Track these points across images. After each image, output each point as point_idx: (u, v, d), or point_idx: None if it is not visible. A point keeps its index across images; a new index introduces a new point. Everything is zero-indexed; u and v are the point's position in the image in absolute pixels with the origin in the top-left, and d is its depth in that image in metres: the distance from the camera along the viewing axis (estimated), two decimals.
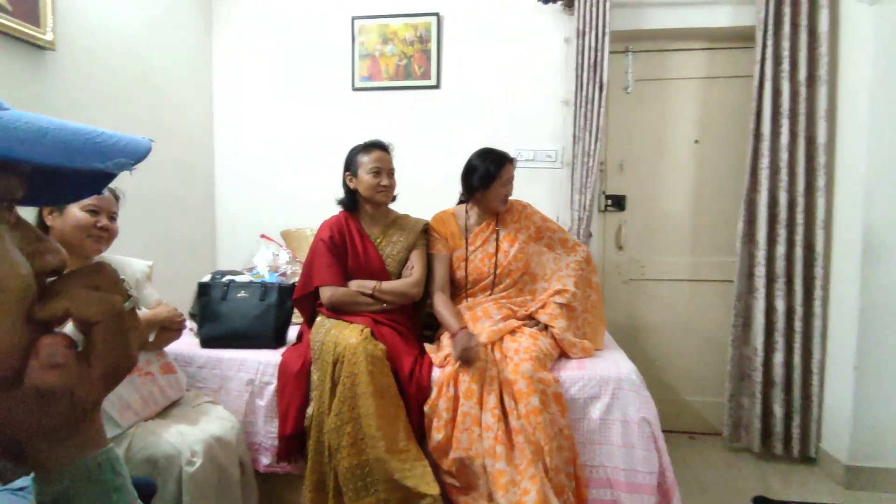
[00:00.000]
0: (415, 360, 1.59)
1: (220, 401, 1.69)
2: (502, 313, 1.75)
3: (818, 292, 2.24)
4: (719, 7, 2.40)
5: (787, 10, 2.23)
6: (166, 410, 1.48)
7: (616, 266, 2.64)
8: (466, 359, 1.54)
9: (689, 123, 2.59)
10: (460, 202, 2.00)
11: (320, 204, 2.14)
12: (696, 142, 2.58)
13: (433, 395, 1.54)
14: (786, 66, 2.24)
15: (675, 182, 2.61)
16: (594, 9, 2.31)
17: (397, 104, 2.63)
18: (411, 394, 1.55)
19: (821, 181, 2.23)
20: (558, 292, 1.82)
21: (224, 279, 1.94)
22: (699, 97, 2.58)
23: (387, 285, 1.75)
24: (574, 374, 1.60)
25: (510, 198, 1.96)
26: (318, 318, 1.76)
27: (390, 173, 1.81)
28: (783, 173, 2.25)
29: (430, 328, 1.95)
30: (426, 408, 1.55)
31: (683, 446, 2.47)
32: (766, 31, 2.24)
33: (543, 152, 2.52)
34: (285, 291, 1.90)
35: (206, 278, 1.97)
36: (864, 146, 2.10)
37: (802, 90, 2.24)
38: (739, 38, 2.45)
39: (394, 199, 1.86)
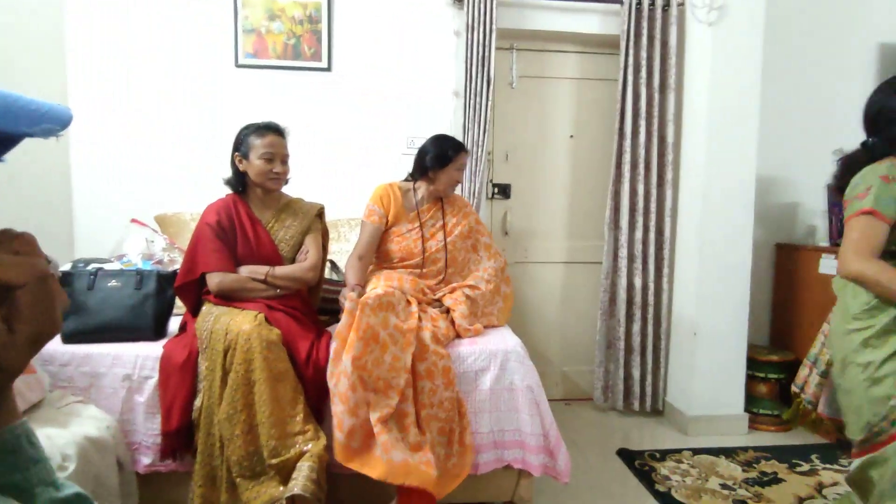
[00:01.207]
0: (311, 344, 1.59)
1: (92, 400, 1.54)
2: (416, 290, 1.81)
3: (666, 271, 2.62)
4: (590, 15, 2.65)
5: (644, 23, 2.54)
6: (28, 414, 1.32)
7: (503, 250, 2.82)
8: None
9: (565, 120, 2.84)
10: (406, 180, 2.02)
11: (201, 187, 2.01)
12: (572, 137, 2.84)
13: (343, 322, 1.58)
14: (644, 73, 2.55)
15: (554, 173, 2.86)
16: (482, 5, 2.43)
17: (286, 85, 2.54)
18: (309, 377, 1.54)
19: (669, 175, 2.59)
20: (470, 286, 1.94)
21: (89, 267, 1.75)
22: (574, 96, 2.83)
23: (280, 270, 1.71)
24: (467, 350, 1.71)
25: (457, 194, 2.08)
26: (205, 307, 1.67)
27: (284, 160, 1.76)
28: (641, 168, 2.57)
29: (324, 313, 1.94)
30: (334, 334, 1.58)
31: (560, 412, 2.75)
32: (628, 41, 2.53)
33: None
34: (165, 279, 1.77)
35: (67, 266, 1.76)
36: (703, 145, 2.48)
37: (656, 95, 2.57)
38: (607, 45, 2.74)
39: (286, 183, 1.82)
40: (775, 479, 2.09)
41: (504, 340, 1.77)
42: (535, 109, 2.81)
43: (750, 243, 2.51)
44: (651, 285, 2.61)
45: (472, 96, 2.46)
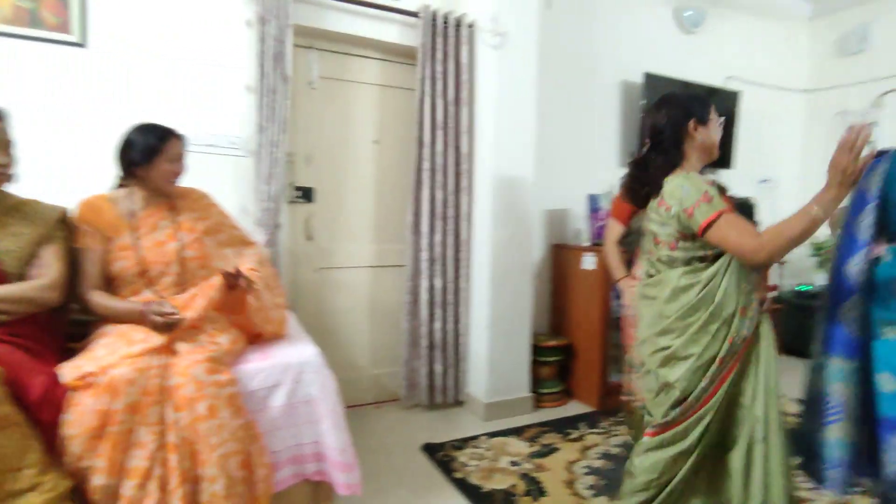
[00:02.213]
0: (49, 380, 1.30)
1: None
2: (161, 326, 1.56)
3: (463, 271, 2.82)
4: (390, 25, 2.72)
5: (440, 40, 2.70)
6: None
7: (306, 256, 2.72)
8: (165, 323, 1.46)
9: (369, 124, 2.86)
10: (119, 186, 1.72)
11: None
12: (376, 142, 2.87)
13: (71, 415, 1.30)
14: (440, 86, 2.71)
15: (359, 177, 2.85)
16: None
17: (17, 58, 2.04)
18: (46, 421, 1.26)
19: (465, 182, 2.80)
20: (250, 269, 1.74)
21: None
22: (377, 102, 2.87)
23: (2, 291, 1.37)
24: (256, 367, 1.59)
25: (190, 186, 1.80)
26: None
27: (5, 146, 1.41)
28: (439, 175, 2.73)
29: (77, 338, 1.61)
30: (64, 430, 1.29)
31: (369, 415, 2.76)
32: (424, 54, 2.66)
33: (226, 139, 2.39)
34: None
35: None
36: (491, 157, 2.73)
37: (452, 108, 2.75)
38: (408, 55, 2.84)
39: (9, 178, 1.46)
40: (553, 450, 2.40)
41: (298, 352, 1.70)
42: (338, 112, 2.78)
43: (532, 244, 2.86)
44: (450, 285, 2.79)
45: (268, 93, 2.31)
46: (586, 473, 2.18)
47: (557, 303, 3.24)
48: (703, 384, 1.42)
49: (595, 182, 3.34)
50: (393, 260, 2.93)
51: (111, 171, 1.71)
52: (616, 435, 2.55)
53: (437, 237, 2.74)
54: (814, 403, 1.45)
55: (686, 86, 3.48)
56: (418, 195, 2.72)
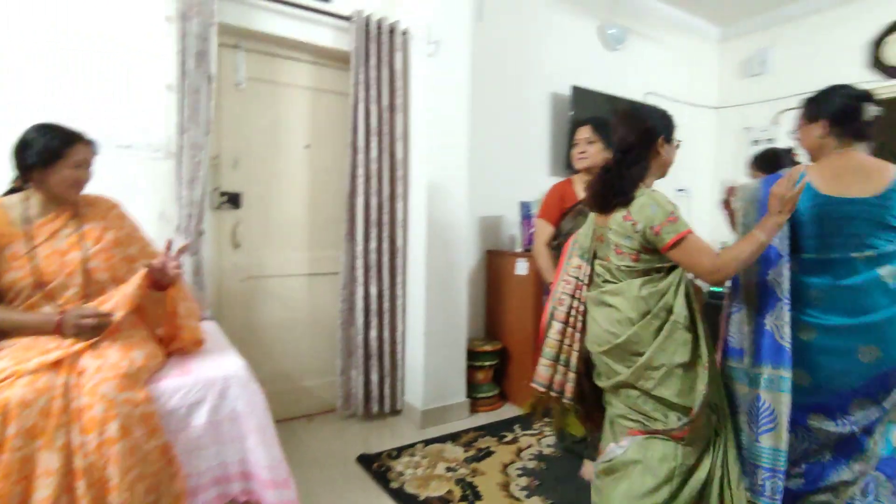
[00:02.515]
0: None
1: None
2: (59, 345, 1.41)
3: (399, 278, 2.81)
4: (323, 28, 2.67)
5: (373, 46, 2.68)
6: None
7: (233, 265, 2.60)
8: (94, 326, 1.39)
9: (301, 128, 2.79)
10: (11, 191, 1.56)
11: None
12: (308, 147, 2.80)
13: None
14: (374, 92, 2.69)
15: (291, 182, 2.77)
16: None
17: None
18: None
19: (400, 189, 2.79)
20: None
21: None
22: (309, 106, 2.81)
23: None
24: (176, 383, 1.49)
25: (99, 195, 1.66)
26: None
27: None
28: (374, 181, 2.70)
29: None
30: None
31: (304, 428, 2.67)
32: (358, 59, 2.63)
33: (144, 140, 2.24)
34: None
35: None
36: (425, 164, 2.75)
37: (386, 114, 2.74)
38: (341, 59, 2.79)
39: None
40: (488, 453, 2.43)
41: (222, 366, 1.61)
42: (268, 115, 2.68)
43: (467, 251, 2.89)
44: (386, 292, 2.76)
45: (190, 93, 2.19)
46: (520, 475, 2.22)
47: (492, 308, 3.30)
48: (694, 390, 1.49)
49: (527, 189, 3.44)
50: (328, 267, 2.86)
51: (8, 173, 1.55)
52: (549, 435, 2.62)
53: (373, 244, 2.71)
54: (749, 413, 1.55)
55: (611, 100, 3.67)
56: (353, 201, 2.68)
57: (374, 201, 2.71)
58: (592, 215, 1.72)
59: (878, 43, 3.65)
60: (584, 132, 2.19)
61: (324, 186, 2.85)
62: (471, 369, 3.00)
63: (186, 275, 2.18)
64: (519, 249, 3.20)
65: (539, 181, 3.47)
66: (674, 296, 1.52)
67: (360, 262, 2.67)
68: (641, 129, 1.57)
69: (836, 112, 1.52)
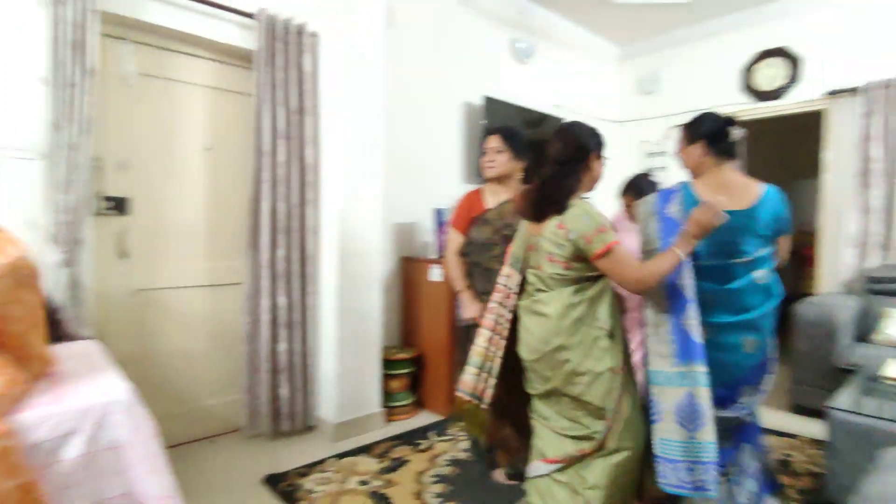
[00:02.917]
0: None
1: None
2: None
3: (311, 287, 2.71)
4: (223, 24, 2.51)
5: (280, 45, 2.57)
6: None
7: (120, 276, 2.37)
8: None
9: (200, 129, 2.61)
10: None
11: None
12: (209, 149, 2.63)
13: None
14: (281, 94, 2.58)
15: (189, 187, 2.58)
16: None
17: None
18: None
19: (311, 194, 2.70)
20: None
21: None
22: (211, 106, 2.63)
23: None
24: (42, 413, 1.31)
25: None
26: None
27: None
28: (282, 186, 2.59)
29: None
30: None
31: (205, 451, 2.49)
32: (263, 60, 2.52)
33: (13, 139, 1.97)
34: None
35: None
36: (340, 170, 2.68)
37: (295, 117, 2.63)
38: (244, 58, 2.65)
39: None
40: (403, 463, 2.40)
41: (101, 391, 1.45)
42: (162, 114, 2.48)
43: (381, 258, 2.85)
44: (297, 303, 2.65)
45: (65, 87, 1.97)
46: (434, 482, 2.22)
47: (407, 315, 3.28)
48: (613, 394, 1.58)
49: (441, 196, 3.48)
50: (231, 278, 2.69)
51: None
52: (463, 440, 2.65)
53: (280, 252, 2.59)
54: (678, 413, 1.59)
55: (521, 111, 3.81)
56: (257, 207, 2.55)
57: (282, 207, 2.59)
58: (524, 225, 1.77)
59: (749, 69, 4.11)
60: (493, 141, 2.21)
61: (226, 191, 2.69)
62: (386, 378, 2.96)
63: (61, 289, 1.95)
64: (433, 256, 3.22)
65: (453, 188, 3.52)
66: (600, 304, 1.62)
67: (266, 272, 2.54)
68: (576, 145, 1.67)
69: (710, 134, 1.75)
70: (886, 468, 1.50)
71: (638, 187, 2.49)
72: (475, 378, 1.82)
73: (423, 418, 3.00)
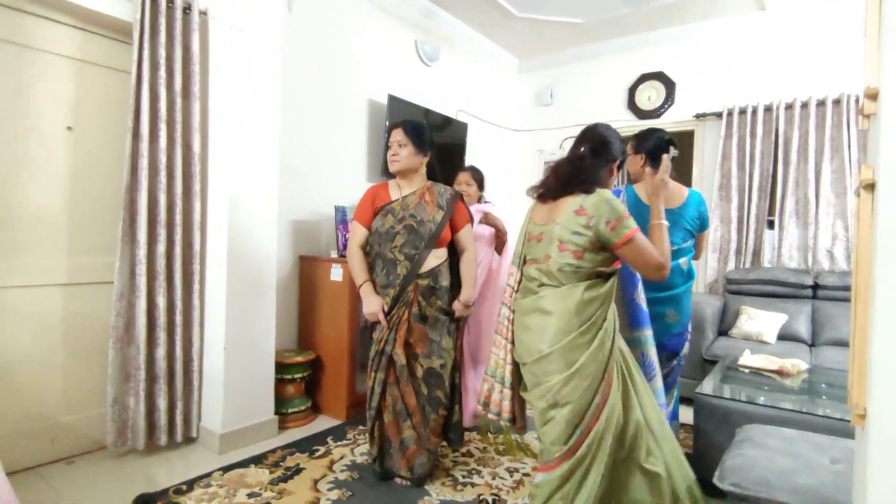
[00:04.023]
0: None
1: None
2: None
3: (196, 286, 2.48)
4: None
5: (163, 20, 2.33)
6: None
7: None
8: None
9: (61, 106, 2.28)
10: None
11: None
12: (70, 129, 2.31)
13: None
14: (163, 73, 2.34)
15: (45, 172, 2.24)
16: None
17: None
18: None
19: (197, 186, 2.47)
20: None
21: None
22: (74, 80, 2.32)
23: None
24: None
25: None
26: None
27: None
28: (162, 175, 2.34)
29: None
30: None
31: (60, 475, 2.16)
32: (142, 34, 2.26)
33: None
34: None
35: None
36: (231, 160, 2.48)
37: (179, 100, 2.40)
38: (119, 30, 2.38)
39: None
40: (298, 471, 2.27)
41: None
42: (11, 87, 2.13)
43: (275, 256, 2.69)
44: (179, 303, 2.41)
45: None
46: (331, 489, 2.12)
47: (305, 316, 3.14)
48: (596, 400, 1.48)
49: (343, 194, 3.38)
50: (97, 276, 2.38)
51: None
52: (363, 443, 2.57)
53: (160, 248, 2.34)
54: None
55: (426, 112, 3.83)
56: (134, 197, 2.28)
57: (162, 198, 2.34)
58: (527, 217, 1.70)
59: (633, 90, 4.50)
60: (397, 135, 2.19)
61: (93, 178, 2.38)
62: (280, 383, 2.79)
63: None
64: (334, 255, 3.11)
65: (356, 187, 3.44)
66: (609, 304, 1.56)
67: (142, 269, 2.28)
68: (611, 146, 1.65)
69: (651, 149, 2.10)
70: (742, 443, 1.69)
71: None
72: (489, 388, 1.70)
73: (321, 423, 2.88)
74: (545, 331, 1.51)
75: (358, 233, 2.22)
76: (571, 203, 1.54)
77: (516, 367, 1.67)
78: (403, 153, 2.17)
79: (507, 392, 1.65)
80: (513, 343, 1.66)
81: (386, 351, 2.12)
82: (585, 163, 1.61)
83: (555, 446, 1.49)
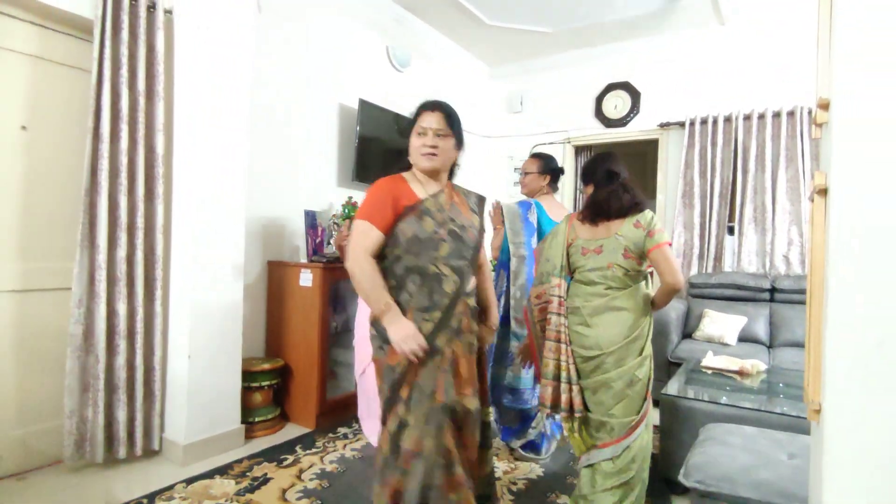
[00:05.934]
0: None
1: None
2: None
3: (159, 292, 2.40)
4: None
5: (125, 17, 2.27)
6: None
7: None
8: None
9: (14, 105, 2.18)
10: None
11: None
12: (24, 128, 2.21)
13: None
14: (125, 72, 2.27)
15: None
16: None
17: None
18: None
19: (160, 189, 2.40)
20: None
21: None
22: (30, 77, 2.22)
23: None
24: None
25: None
26: None
27: None
28: (123, 177, 2.27)
29: None
30: None
31: (13, 491, 2.05)
32: (104, 31, 2.20)
33: None
34: None
35: None
36: (198, 163, 2.42)
37: (142, 100, 2.33)
38: (79, 27, 2.30)
39: None
40: (265, 481, 2.22)
41: None
42: None
43: (242, 261, 2.63)
44: (140, 310, 2.33)
45: None
46: (300, 498, 2.08)
47: (274, 322, 3.07)
48: (651, 374, 1.84)
49: (313, 198, 3.34)
50: (52, 282, 2.28)
51: None
52: (331, 452, 2.53)
53: (121, 252, 2.26)
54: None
55: (396, 118, 3.82)
56: (93, 200, 2.20)
57: (123, 201, 2.27)
58: (563, 235, 1.94)
59: (600, 99, 4.62)
60: (436, 121, 1.63)
61: (47, 180, 2.28)
62: (247, 391, 2.72)
63: None
64: (304, 260, 3.06)
65: (326, 191, 3.41)
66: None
67: (102, 274, 2.20)
68: (624, 173, 1.92)
69: (553, 171, 2.62)
70: (705, 441, 1.74)
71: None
72: (552, 391, 1.86)
73: (290, 431, 2.82)
74: (622, 324, 1.79)
75: (371, 238, 1.55)
76: (629, 218, 1.83)
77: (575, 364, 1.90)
78: (445, 146, 1.64)
79: (576, 388, 1.85)
80: (569, 344, 1.89)
81: (446, 404, 1.51)
82: (633, 189, 1.88)
83: (628, 417, 1.77)
